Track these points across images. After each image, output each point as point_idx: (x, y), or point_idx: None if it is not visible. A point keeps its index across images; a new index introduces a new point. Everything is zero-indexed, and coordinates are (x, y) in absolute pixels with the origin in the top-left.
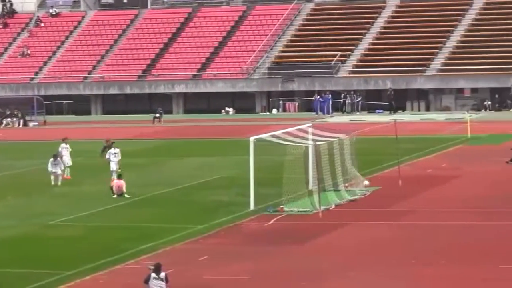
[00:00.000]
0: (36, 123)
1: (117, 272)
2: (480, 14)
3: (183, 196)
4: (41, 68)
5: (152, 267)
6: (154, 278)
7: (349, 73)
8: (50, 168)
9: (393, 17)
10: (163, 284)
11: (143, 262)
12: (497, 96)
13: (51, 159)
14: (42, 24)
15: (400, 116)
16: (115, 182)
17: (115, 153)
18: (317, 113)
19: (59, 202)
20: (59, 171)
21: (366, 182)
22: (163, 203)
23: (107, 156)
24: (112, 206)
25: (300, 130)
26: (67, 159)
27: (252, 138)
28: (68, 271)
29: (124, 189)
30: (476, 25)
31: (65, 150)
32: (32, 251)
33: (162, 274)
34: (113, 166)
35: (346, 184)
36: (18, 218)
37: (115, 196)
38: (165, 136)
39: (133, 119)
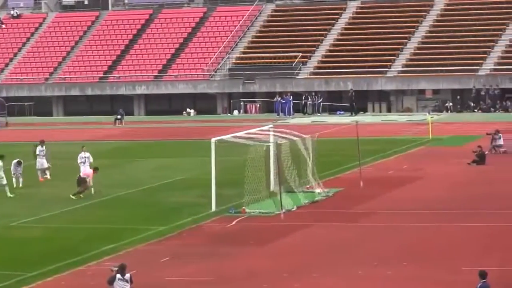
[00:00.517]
0: None
1: (79, 273)
2: (442, 15)
3: (146, 197)
4: (2, 70)
5: (115, 268)
6: (119, 279)
7: (310, 74)
8: (13, 170)
9: (353, 18)
10: (128, 285)
11: (105, 264)
12: (458, 97)
13: (15, 162)
14: (4, 26)
15: (361, 118)
16: (83, 170)
17: (85, 157)
18: (278, 115)
19: (20, 204)
20: (20, 172)
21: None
22: (126, 204)
23: (79, 161)
24: (74, 208)
25: (261, 131)
26: (44, 162)
27: (213, 139)
28: (29, 273)
29: (91, 182)
30: (437, 26)
31: (42, 153)
32: None
33: (127, 275)
34: (86, 170)
35: (308, 186)
36: None
37: (82, 196)
38: (127, 138)
39: (95, 120)
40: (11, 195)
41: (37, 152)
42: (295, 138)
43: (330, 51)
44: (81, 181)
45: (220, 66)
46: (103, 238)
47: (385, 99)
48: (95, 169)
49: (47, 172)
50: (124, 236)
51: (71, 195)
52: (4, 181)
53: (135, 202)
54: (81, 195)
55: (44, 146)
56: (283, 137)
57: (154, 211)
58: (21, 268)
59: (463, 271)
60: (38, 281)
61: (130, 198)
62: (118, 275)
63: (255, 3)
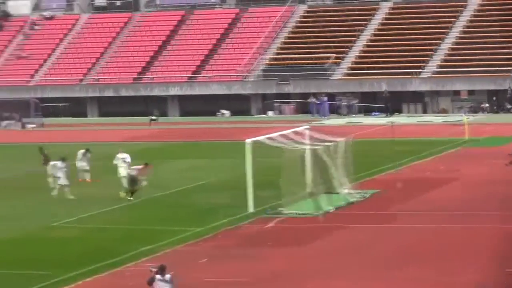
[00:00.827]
0: (34, 125)
1: (117, 274)
2: (476, 15)
3: (181, 198)
4: (37, 71)
5: (155, 269)
6: (159, 279)
7: (344, 76)
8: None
9: (386, 18)
10: (168, 285)
11: (143, 265)
12: (494, 98)
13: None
14: (37, 27)
15: (396, 119)
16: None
17: (122, 158)
18: (313, 115)
19: (60, 204)
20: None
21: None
22: (162, 205)
23: (116, 162)
24: (112, 209)
25: (296, 132)
26: (85, 164)
27: (248, 140)
28: (69, 273)
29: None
30: (471, 26)
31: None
32: (33, 253)
33: (167, 276)
34: (123, 172)
35: (344, 187)
36: (19, 220)
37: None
38: (162, 139)
39: (129, 121)
40: (72, 197)
41: (80, 157)
42: (330, 140)
43: (363, 52)
44: (133, 180)
45: (254, 67)
46: (141, 239)
47: (420, 100)
48: (146, 165)
49: (87, 175)
50: (161, 237)
51: (128, 198)
52: (64, 182)
53: (171, 203)
54: (130, 196)
55: (88, 154)
56: (318, 138)
57: (190, 212)
58: (60, 269)
59: (508, 273)
60: (77, 281)
61: (166, 200)
62: (158, 276)
63: (287, 4)
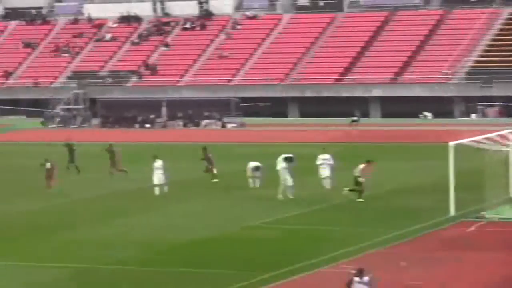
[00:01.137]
0: (234, 125)
1: (314, 276)
2: None
3: (381, 200)
4: (238, 71)
5: (354, 271)
6: (357, 282)
7: None
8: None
9: None
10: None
11: (341, 267)
12: None
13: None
14: (239, 27)
15: None
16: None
17: (325, 159)
18: None
19: (258, 204)
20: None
21: None
22: (360, 207)
23: (318, 162)
24: (310, 210)
25: (501, 135)
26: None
27: (451, 143)
28: (266, 274)
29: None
30: None
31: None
32: (230, 252)
33: (365, 278)
34: (326, 173)
35: None
36: (217, 219)
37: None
38: (362, 140)
39: (329, 122)
40: (292, 197)
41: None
42: None
43: None
44: (358, 181)
45: (457, 70)
46: (339, 241)
47: None
48: (368, 162)
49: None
50: (360, 239)
51: (357, 199)
52: (289, 183)
53: (370, 205)
54: (359, 198)
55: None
56: None
57: (390, 214)
58: (258, 269)
59: None
60: (274, 282)
61: (365, 201)
62: (357, 278)
63: (493, 6)
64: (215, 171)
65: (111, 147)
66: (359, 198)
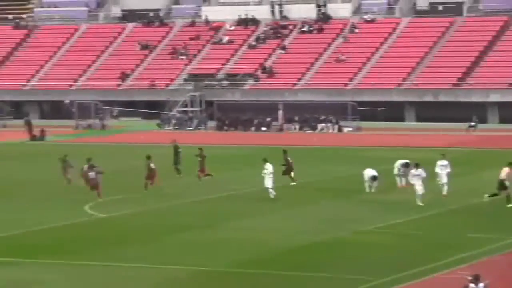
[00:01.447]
0: (351, 129)
1: (429, 281)
2: None
3: (498, 206)
4: (355, 74)
5: (470, 277)
6: None
7: None
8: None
9: None
10: None
11: (457, 272)
12: None
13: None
14: (357, 30)
15: None
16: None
17: (442, 165)
18: None
19: (370, 208)
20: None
21: None
22: (478, 212)
23: (436, 169)
24: (422, 216)
25: None
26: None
27: None
28: (382, 279)
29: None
30: None
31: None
32: (343, 257)
33: (481, 285)
34: (444, 179)
35: None
36: (328, 223)
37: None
38: (480, 145)
39: (446, 127)
40: (421, 204)
41: (397, 172)
42: None
43: None
44: (502, 185)
45: None
46: (455, 246)
47: None
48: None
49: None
50: (477, 245)
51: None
52: (421, 191)
53: (486, 210)
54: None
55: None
56: None
57: (507, 220)
58: (368, 274)
59: None
60: (390, 287)
61: (483, 206)
62: (472, 285)
63: None
64: (292, 174)
65: (201, 151)
66: (508, 204)
